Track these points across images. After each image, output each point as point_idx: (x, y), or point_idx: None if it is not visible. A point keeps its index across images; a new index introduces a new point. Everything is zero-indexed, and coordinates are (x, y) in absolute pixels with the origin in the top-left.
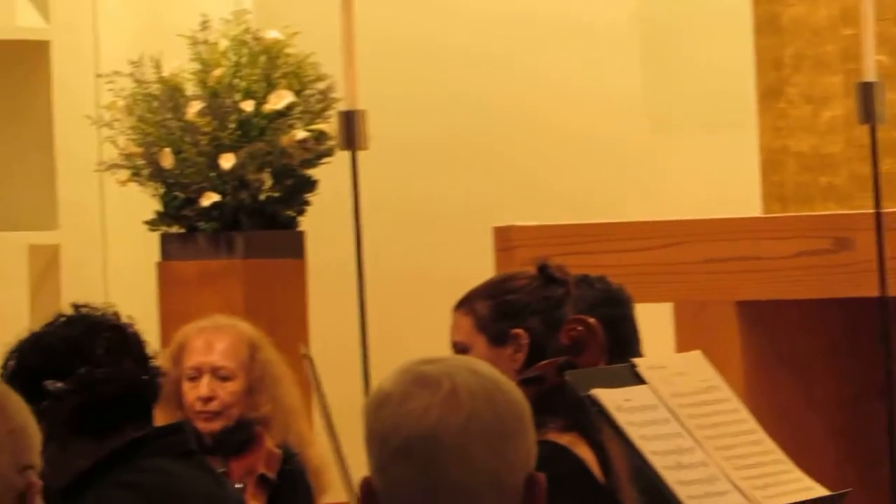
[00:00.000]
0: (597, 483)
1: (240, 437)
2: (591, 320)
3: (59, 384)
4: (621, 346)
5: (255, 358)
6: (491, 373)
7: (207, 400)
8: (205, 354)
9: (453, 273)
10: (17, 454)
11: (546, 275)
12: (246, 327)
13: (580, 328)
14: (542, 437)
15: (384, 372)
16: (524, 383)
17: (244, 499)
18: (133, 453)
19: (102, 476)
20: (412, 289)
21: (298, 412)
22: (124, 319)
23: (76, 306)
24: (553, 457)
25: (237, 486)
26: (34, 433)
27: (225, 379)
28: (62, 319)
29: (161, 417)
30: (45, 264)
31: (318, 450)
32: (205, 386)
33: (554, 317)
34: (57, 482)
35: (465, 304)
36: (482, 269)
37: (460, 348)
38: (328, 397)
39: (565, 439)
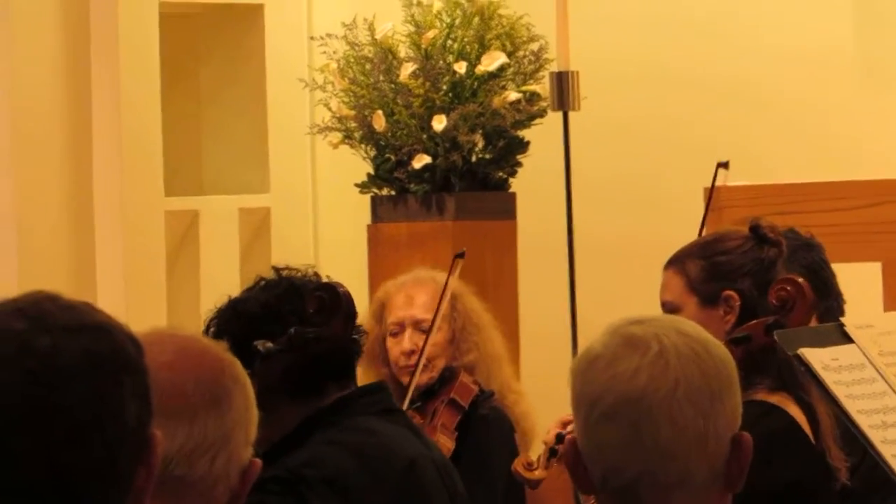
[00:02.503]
0: (808, 442)
1: (441, 386)
2: (800, 280)
3: (270, 344)
4: (824, 289)
5: (457, 308)
6: (699, 333)
7: (410, 353)
8: (405, 309)
9: (662, 234)
10: (248, 429)
11: (759, 235)
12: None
13: (789, 288)
14: (752, 397)
15: (593, 332)
16: (732, 343)
17: (437, 420)
18: (339, 412)
19: (310, 436)
20: (621, 249)
21: (502, 360)
22: (325, 279)
23: (277, 269)
24: (765, 416)
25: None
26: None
27: (426, 331)
28: (262, 283)
29: (368, 376)
30: (256, 227)
31: (522, 398)
32: (407, 339)
33: (766, 279)
34: (259, 447)
35: (676, 262)
36: (691, 230)
37: (670, 308)
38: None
39: (774, 399)
